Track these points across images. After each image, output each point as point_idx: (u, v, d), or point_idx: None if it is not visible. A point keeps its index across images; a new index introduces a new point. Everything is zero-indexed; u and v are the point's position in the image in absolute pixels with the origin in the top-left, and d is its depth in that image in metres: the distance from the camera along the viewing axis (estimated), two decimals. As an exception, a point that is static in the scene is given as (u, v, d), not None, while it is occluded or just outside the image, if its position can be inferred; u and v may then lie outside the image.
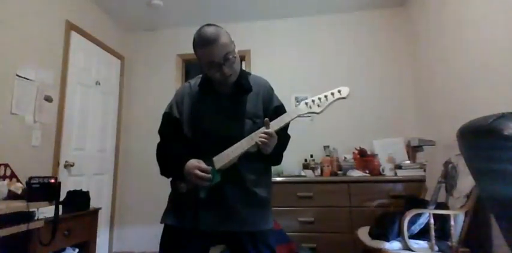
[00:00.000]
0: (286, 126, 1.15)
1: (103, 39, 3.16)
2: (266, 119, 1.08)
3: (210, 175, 1.07)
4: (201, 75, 1.29)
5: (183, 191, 1.14)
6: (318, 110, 1.08)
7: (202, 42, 1.09)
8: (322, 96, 1.08)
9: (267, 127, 1.06)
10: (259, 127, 1.10)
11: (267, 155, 1.11)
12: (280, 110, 1.23)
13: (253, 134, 1.08)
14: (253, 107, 1.21)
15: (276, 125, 1.08)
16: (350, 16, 3.31)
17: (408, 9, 3.15)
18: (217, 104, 1.21)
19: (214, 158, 1.12)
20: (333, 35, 3.33)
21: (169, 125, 1.25)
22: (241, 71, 1.24)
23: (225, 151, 1.11)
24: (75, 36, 2.78)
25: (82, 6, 2.91)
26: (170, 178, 1.23)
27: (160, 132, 1.28)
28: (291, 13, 3.34)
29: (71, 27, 2.72)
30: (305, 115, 1.10)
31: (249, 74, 1.31)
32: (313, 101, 1.08)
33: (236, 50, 1.15)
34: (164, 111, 1.28)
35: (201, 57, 1.12)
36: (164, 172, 1.21)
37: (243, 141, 1.09)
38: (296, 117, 1.08)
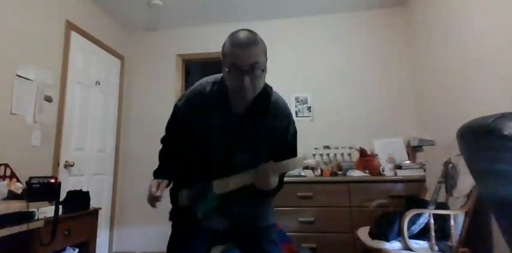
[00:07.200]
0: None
1: (103, 39, 3.16)
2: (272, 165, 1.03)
3: (158, 194, 1.12)
4: (220, 77, 1.14)
5: (183, 205, 1.16)
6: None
7: (237, 41, 1.01)
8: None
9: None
10: (264, 155, 1.10)
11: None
12: (290, 141, 1.18)
13: (259, 170, 1.02)
14: (265, 133, 1.12)
15: (280, 169, 1.03)
16: (350, 16, 3.31)
17: (408, 9, 3.15)
18: (227, 123, 1.11)
19: (215, 182, 1.09)
20: (333, 34, 3.32)
21: (174, 120, 1.26)
22: (264, 86, 1.10)
23: (227, 179, 1.07)
24: (75, 36, 2.78)
25: (82, 6, 2.91)
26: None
27: (167, 125, 1.29)
28: (291, 13, 3.33)
29: (71, 27, 2.72)
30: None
31: (271, 90, 1.16)
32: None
33: (267, 66, 1.05)
34: (175, 103, 1.26)
35: (227, 56, 1.01)
36: None
37: (245, 174, 1.05)
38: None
